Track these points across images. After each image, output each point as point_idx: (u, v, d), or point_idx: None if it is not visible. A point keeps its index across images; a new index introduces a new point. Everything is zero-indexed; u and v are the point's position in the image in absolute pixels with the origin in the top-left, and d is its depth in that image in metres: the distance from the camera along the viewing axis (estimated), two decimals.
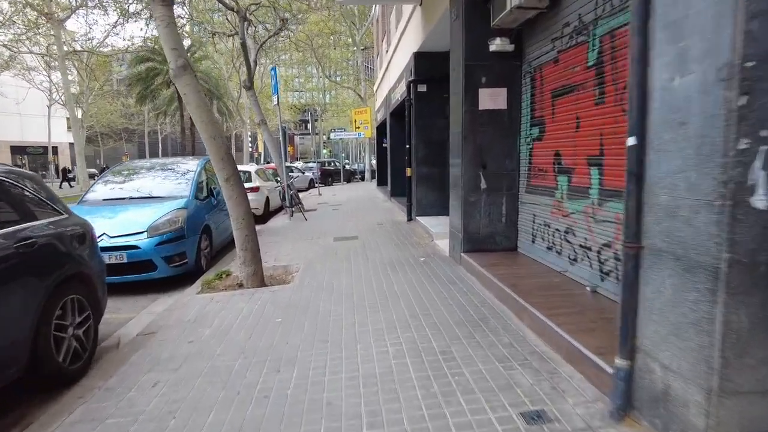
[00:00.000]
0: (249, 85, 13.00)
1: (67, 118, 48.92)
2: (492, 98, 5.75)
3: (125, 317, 5.36)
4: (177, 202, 6.98)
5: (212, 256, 7.71)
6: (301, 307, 4.77)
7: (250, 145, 67.64)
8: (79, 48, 31.17)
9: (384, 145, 19.38)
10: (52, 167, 45.38)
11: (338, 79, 38.56)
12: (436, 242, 7.60)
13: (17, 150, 46.01)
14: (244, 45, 12.55)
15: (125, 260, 6.05)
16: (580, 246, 4.48)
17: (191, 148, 38.90)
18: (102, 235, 6.06)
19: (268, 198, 13.12)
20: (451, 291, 5.01)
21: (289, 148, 57.13)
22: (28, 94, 36.97)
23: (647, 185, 2.30)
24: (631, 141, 2.34)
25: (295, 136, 78.49)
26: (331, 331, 4.07)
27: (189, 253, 6.71)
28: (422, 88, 9.46)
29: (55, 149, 49.79)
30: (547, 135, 5.13)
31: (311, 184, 24.27)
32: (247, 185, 12.34)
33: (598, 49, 4.10)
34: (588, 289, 4.25)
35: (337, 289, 5.37)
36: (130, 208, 6.82)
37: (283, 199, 11.92)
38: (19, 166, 37.48)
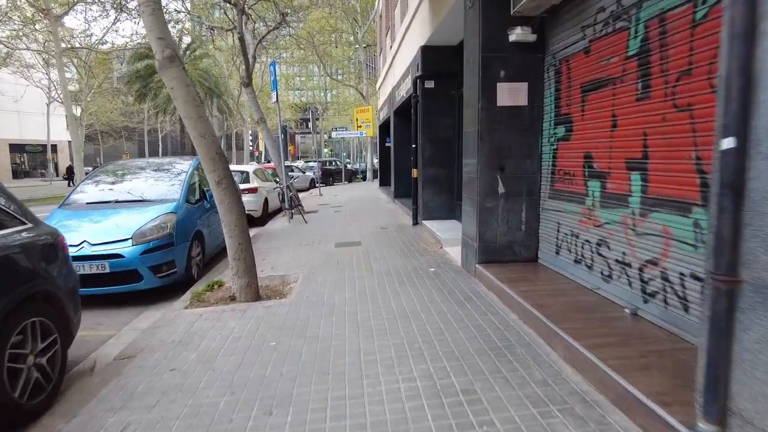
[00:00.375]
0: (247, 82, 12.45)
1: (66, 116, 48.57)
2: (511, 93, 5.19)
3: (105, 334, 4.81)
4: (166, 206, 6.43)
5: (205, 264, 7.16)
6: (298, 329, 4.22)
7: (251, 143, 67.16)
8: (77, 45, 30.68)
9: (387, 144, 18.84)
10: (51, 165, 44.89)
11: (340, 77, 38.05)
12: (446, 250, 7.05)
13: (16, 148, 45.51)
14: (242, 40, 12.00)
15: (107, 270, 5.50)
16: (617, 261, 3.92)
17: (191, 146, 38.67)
18: (82, 242, 5.52)
19: (266, 199, 12.58)
20: (467, 310, 4.45)
21: (290, 148, 56.57)
22: (27, 92, 36.44)
23: (750, 201, 1.75)
24: (726, 143, 1.79)
25: (296, 135, 78.04)
26: (332, 361, 3.52)
27: (178, 262, 6.17)
28: (429, 84, 8.91)
29: (54, 147, 49.37)
30: (576, 134, 4.58)
31: (312, 184, 23.74)
32: (244, 186, 11.82)
33: (643, 36, 3.54)
34: (627, 311, 3.70)
35: (339, 306, 4.82)
36: (114, 212, 6.26)
37: (283, 200, 11.38)
38: (18, 164, 37.17)
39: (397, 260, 6.67)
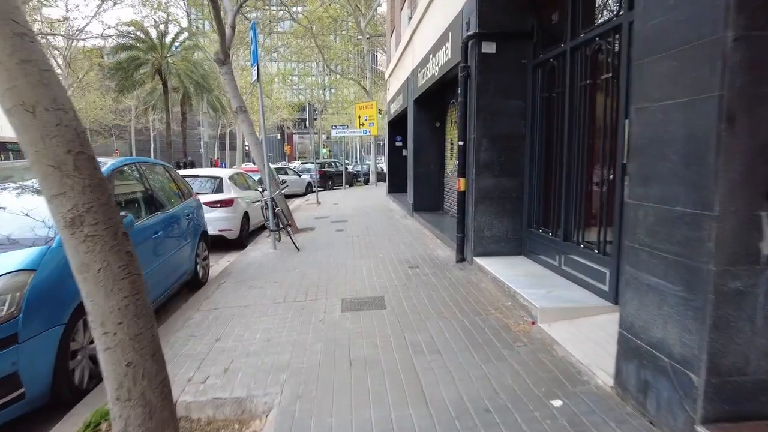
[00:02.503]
0: (222, 58, 9.16)
1: None
2: None
3: None
4: (18, 257, 3.18)
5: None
6: None
7: (246, 145, 63.68)
8: (56, 34, 27.32)
9: (397, 143, 15.56)
10: None
11: (340, 73, 34.79)
12: (550, 334, 3.76)
13: None
14: (214, 1, 8.72)
15: None
16: None
17: (183, 145, 35.11)
18: None
19: (247, 214, 9.28)
20: None
21: (286, 148, 53.16)
22: None
23: None
24: None
25: (294, 135, 74.55)
26: None
27: (31, 373, 2.92)
28: (489, 47, 5.64)
29: None
30: None
31: (309, 189, 20.44)
32: (214, 198, 8.52)
33: None
34: None
35: None
36: None
37: (269, 219, 8.06)
38: None
39: (463, 356, 3.39)
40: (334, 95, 46.42)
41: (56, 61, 29.17)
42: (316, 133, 54.96)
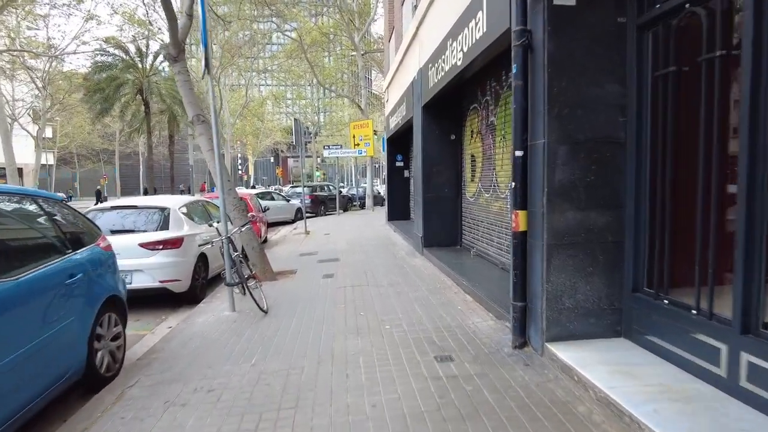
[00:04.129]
0: (174, 53, 6.86)
1: (33, 137, 42.63)
2: None
3: None
4: None
5: None
6: None
7: (239, 166, 61.34)
8: (38, 54, 25.13)
9: (398, 163, 13.25)
10: None
11: (333, 93, 32.70)
12: None
13: None
14: None
15: None
16: None
17: (170, 170, 32.69)
18: None
19: (204, 257, 6.82)
20: None
21: (278, 171, 50.92)
22: None
23: None
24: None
25: (289, 159, 72.36)
26: None
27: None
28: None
29: (20, 171, 43.40)
30: None
31: (299, 215, 17.97)
32: (154, 237, 6.11)
33: None
34: None
35: None
36: None
37: (234, 264, 5.51)
38: None
39: None
40: (328, 117, 44.47)
41: (35, 83, 27.00)
42: (309, 156, 52.85)
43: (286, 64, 30.06)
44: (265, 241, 12.55)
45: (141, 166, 48.49)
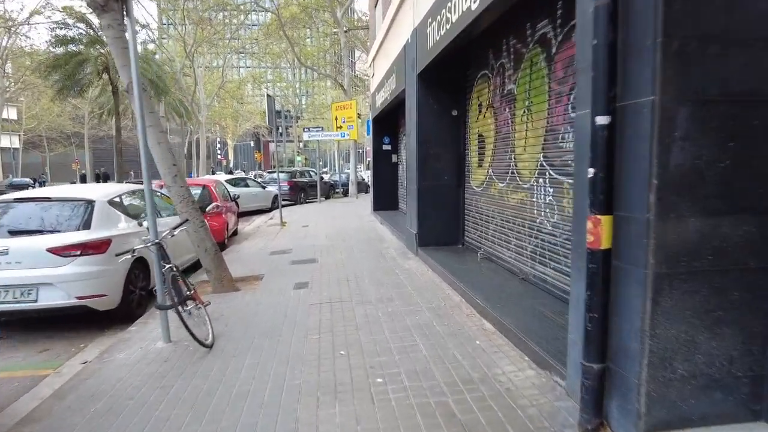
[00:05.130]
0: (101, 1, 5.18)
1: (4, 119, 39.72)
2: None
3: None
4: None
5: None
6: None
7: (219, 151, 58.83)
8: None
9: (385, 146, 11.72)
10: None
11: (315, 69, 30.67)
12: None
13: None
14: None
15: None
16: None
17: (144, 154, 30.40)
18: None
19: (144, 261, 5.26)
20: None
21: (256, 155, 48.69)
22: None
23: None
24: None
25: (271, 144, 69.83)
26: None
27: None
28: None
29: None
30: None
31: (275, 203, 16.35)
32: (69, 238, 4.56)
33: None
34: None
35: None
36: None
37: (171, 282, 3.95)
38: None
39: None
40: (310, 100, 42.37)
41: None
42: (291, 141, 50.73)
43: (264, 43, 28.00)
44: (235, 233, 10.98)
45: (114, 151, 45.86)
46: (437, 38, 5.34)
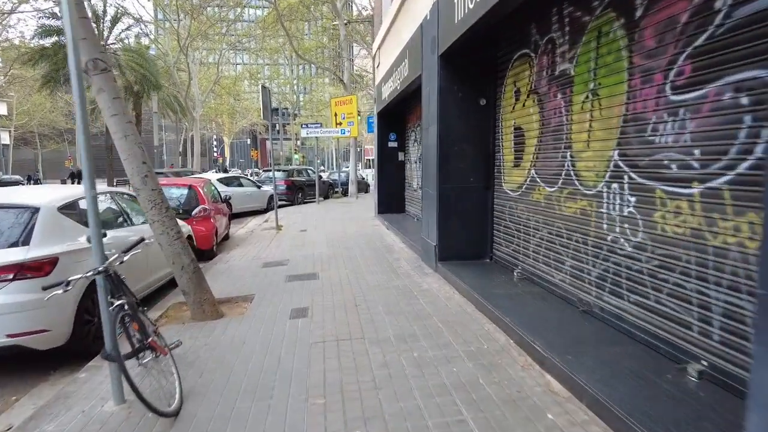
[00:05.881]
0: None
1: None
2: None
3: None
4: None
5: None
6: None
7: (215, 149, 57.46)
8: None
9: (390, 144, 10.63)
10: None
11: (314, 72, 29.43)
12: None
13: None
14: None
15: None
16: None
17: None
18: None
19: (84, 299, 4.13)
20: None
21: (252, 153, 47.36)
22: None
23: None
24: None
25: (268, 141, 68.45)
26: None
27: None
28: None
29: None
30: None
31: (272, 203, 15.24)
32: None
33: None
34: None
35: None
36: None
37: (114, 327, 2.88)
38: None
39: None
40: (308, 97, 41.11)
41: None
42: (288, 139, 49.51)
43: (260, 37, 26.77)
44: (227, 238, 9.88)
45: (107, 148, 44.53)
46: (470, 6, 4.25)
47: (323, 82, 40.41)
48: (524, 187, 4.64)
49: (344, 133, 16.74)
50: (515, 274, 4.74)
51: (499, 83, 5.13)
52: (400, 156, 10.52)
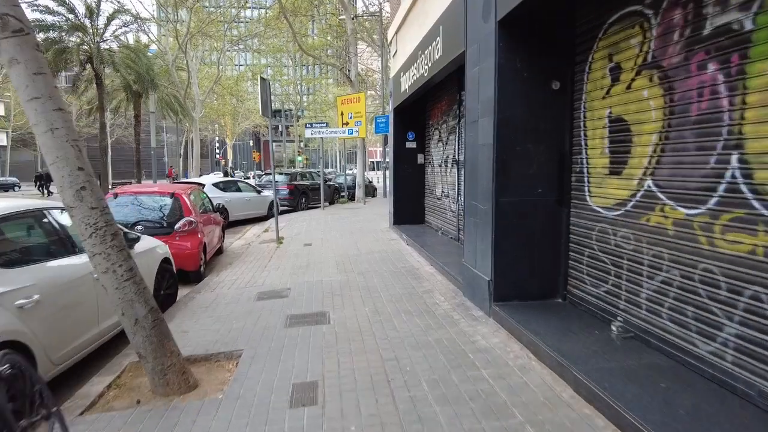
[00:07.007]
0: None
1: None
2: None
3: None
4: None
5: None
6: None
7: (217, 150, 56.01)
8: None
9: (408, 144, 9.17)
10: None
11: (318, 73, 27.99)
12: None
13: None
14: None
15: None
16: None
17: (136, 153, 27.52)
18: None
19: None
20: None
21: (254, 155, 45.93)
22: None
23: None
24: None
25: (270, 144, 66.88)
26: None
27: None
28: None
29: None
30: None
31: (270, 211, 13.76)
32: None
33: None
34: None
35: None
36: None
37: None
38: None
39: None
40: (312, 98, 39.60)
41: None
42: (291, 141, 48.09)
43: (264, 33, 25.34)
44: (220, 252, 8.45)
45: (109, 149, 43.16)
46: None
47: (327, 83, 39.00)
48: (631, 204, 3.17)
49: (351, 133, 15.30)
50: (614, 328, 3.26)
51: (584, 59, 3.66)
52: (420, 158, 9.06)
